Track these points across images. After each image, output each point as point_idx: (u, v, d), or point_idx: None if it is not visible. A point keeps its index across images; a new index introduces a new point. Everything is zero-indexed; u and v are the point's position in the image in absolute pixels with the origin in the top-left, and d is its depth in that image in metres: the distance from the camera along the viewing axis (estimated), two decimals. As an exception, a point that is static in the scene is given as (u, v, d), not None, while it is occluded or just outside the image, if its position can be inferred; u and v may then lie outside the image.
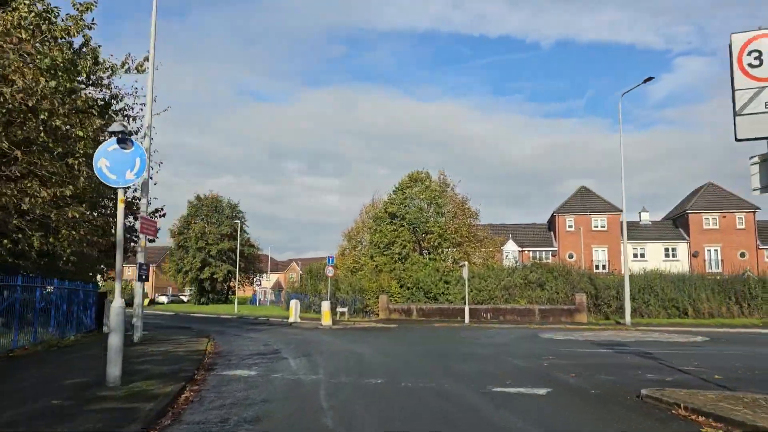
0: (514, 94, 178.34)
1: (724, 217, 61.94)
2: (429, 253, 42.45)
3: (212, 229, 60.58)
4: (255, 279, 63.91)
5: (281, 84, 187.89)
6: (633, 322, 31.42)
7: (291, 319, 31.80)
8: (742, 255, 60.86)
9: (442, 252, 41.96)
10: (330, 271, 39.45)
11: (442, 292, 38.62)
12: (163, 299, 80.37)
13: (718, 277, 40.39)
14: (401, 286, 39.66)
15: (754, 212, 61.41)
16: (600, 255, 63.77)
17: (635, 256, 63.56)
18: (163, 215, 24.23)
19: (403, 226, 42.17)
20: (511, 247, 64.52)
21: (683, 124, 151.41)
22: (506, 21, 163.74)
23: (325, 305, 28.33)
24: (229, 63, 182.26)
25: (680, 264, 60.10)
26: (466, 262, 34.40)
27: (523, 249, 65.98)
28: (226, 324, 32.97)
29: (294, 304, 32.05)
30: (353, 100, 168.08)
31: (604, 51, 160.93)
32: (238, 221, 54.79)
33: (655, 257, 61.88)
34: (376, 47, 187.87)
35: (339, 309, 39.07)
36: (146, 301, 77.89)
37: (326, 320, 27.91)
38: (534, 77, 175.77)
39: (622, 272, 45.74)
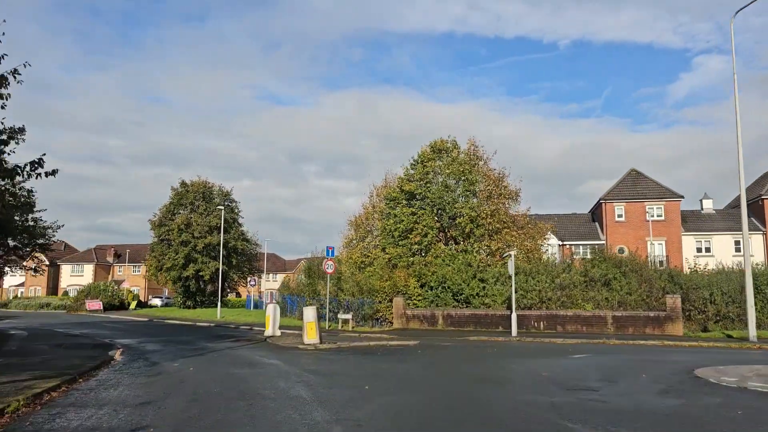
0: (531, 95, 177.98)
1: (809, 202, 51.57)
2: (457, 243, 32.93)
3: (199, 220, 51.42)
4: (249, 279, 54.66)
5: (301, 88, 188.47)
6: (757, 336, 21.72)
7: (267, 332, 22.48)
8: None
9: (475, 242, 32.39)
10: (330, 267, 30.35)
11: (477, 294, 29.09)
12: (157, 302, 72.04)
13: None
14: (422, 286, 30.21)
15: None
16: (656, 249, 53.52)
17: (699, 250, 53.48)
18: (52, 173, 14.54)
19: (424, 208, 32.71)
20: (550, 241, 54.71)
21: (704, 123, 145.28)
22: (523, 22, 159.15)
23: (309, 313, 18.72)
24: (249, 68, 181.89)
25: (754, 260, 49.82)
26: (513, 252, 24.84)
27: (564, 243, 56.09)
28: (182, 336, 23.83)
29: (271, 311, 22.68)
30: (373, 103, 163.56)
31: (622, 51, 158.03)
32: (222, 207, 45.32)
33: (723, 251, 51.65)
34: (394, 50, 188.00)
35: (342, 316, 29.86)
36: (133, 305, 69.55)
37: (310, 336, 18.37)
38: (551, 78, 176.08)
39: (681, 266, 35.51)
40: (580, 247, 55.24)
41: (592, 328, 25.67)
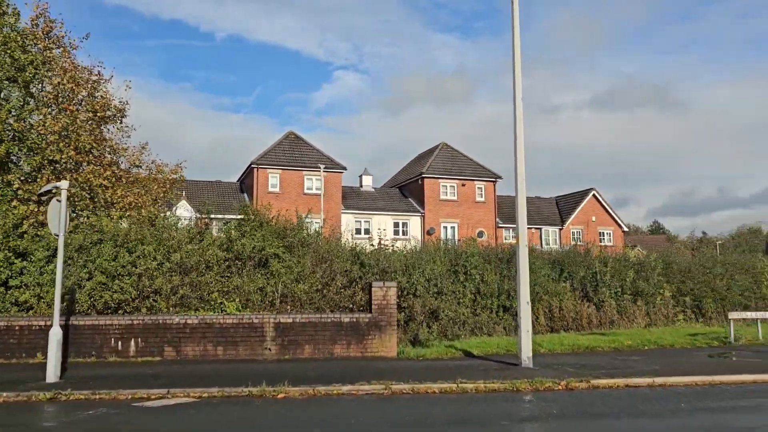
0: (184, 81, 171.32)
1: (464, 185, 48.54)
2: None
3: None
4: None
5: None
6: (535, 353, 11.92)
7: None
8: (480, 234, 47.78)
9: (24, 179, 16.74)
10: None
11: (4, 281, 13.76)
12: None
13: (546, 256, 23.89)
14: None
15: (495, 182, 49.38)
16: (314, 227, 44.31)
17: (358, 231, 45.95)
18: None
19: None
20: (183, 212, 40.80)
21: (340, 131, 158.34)
22: (181, 5, 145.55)
23: None
24: None
25: (412, 244, 44.55)
26: (65, 182, 10.72)
27: (203, 216, 42.60)
28: None
29: None
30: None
31: (274, 53, 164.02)
32: None
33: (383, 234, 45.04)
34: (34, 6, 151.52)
35: None
36: None
37: None
38: (206, 68, 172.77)
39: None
40: (225, 221, 42.82)
41: (238, 348, 13.03)
